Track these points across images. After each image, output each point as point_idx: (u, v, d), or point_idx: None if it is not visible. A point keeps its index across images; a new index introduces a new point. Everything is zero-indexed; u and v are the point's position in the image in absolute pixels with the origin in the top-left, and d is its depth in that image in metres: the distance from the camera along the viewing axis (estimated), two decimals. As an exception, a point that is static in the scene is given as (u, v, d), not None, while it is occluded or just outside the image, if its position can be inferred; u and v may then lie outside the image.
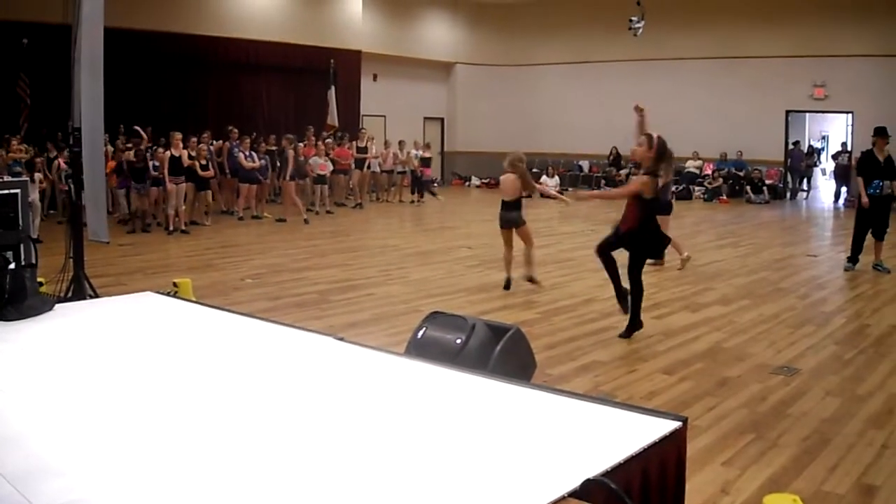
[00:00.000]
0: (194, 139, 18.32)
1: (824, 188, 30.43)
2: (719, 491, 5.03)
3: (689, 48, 27.89)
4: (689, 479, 4.92)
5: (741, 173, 27.15)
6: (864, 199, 12.95)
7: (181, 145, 17.46)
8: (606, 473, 3.38)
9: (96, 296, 8.73)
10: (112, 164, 17.03)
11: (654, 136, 8.96)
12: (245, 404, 4.02)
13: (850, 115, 26.95)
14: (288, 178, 19.30)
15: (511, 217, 11.32)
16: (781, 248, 15.92)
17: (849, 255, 13.44)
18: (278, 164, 20.42)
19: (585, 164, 29.89)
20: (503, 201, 11.34)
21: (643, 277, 8.84)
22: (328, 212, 21.18)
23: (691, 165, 27.67)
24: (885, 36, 24.97)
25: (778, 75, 26.61)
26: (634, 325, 8.83)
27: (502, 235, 11.42)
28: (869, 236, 13.21)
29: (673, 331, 9.03)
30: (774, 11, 26.43)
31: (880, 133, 13.17)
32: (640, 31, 23.50)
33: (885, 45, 25.00)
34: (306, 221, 18.85)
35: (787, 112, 27.66)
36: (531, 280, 11.42)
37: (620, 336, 8.82)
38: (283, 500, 2.99)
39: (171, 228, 16.94)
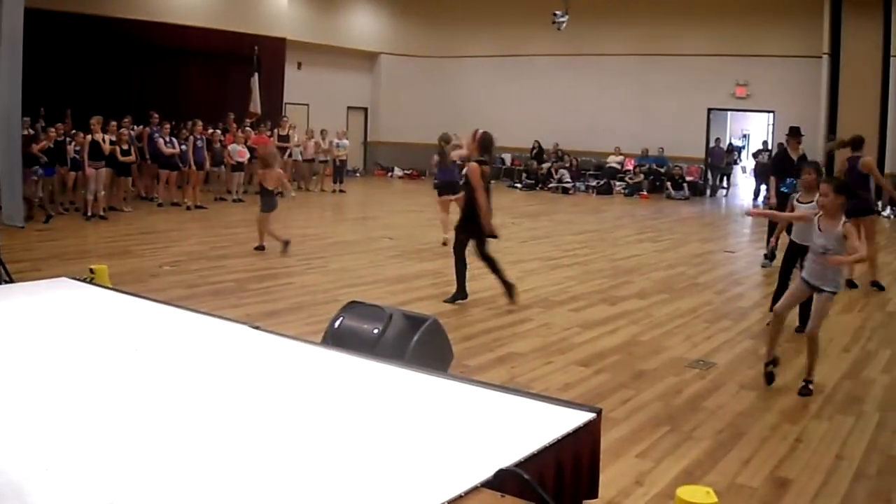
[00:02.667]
0: (115, 123, 17.98)
1: (744, 186, 30.84)
2: (633, 482, 5.07)
3: (614, 44, 28.09)
4: (603, 471, 4.94)
5: (662, 170, 27.41)
6: (772, 200, 13.12)
7: (100, 130, 17.12)
8: (520, 464, 3.37)
9: (11, 281, 8.54)
10: (42, 145, 16.70)
11: (479, 130, 10.33)
12: (158, 393, 3.95)
13: (771, 115, 27.36)
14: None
15: None
16: (700, 244, 16.12)
17: (765, 252, 13.64)
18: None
19: (508, 158, 29.96)
20: None
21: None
22: (239, 200, 20.92)
23: (612, 161, 27.88)
24: (805, 37, 25.37)
25: (700, 73, 26.92)
26: (460, 295, 10.08)
27: None
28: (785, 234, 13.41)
29: (590, 323, 9.08)
30: (698, 10, 26.72)
31: (794, 133, 13.43)
32: (564, 25, 23.65)
33: (805, 47, 25.40)
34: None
35: (709, 110, 27.99)
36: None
37: (446, 301, 10.01)
38: (200, 486, 2.94)
39: (90, 214, 16.60)
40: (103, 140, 17.07)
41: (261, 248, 13.34)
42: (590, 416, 4.13)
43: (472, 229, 9.89)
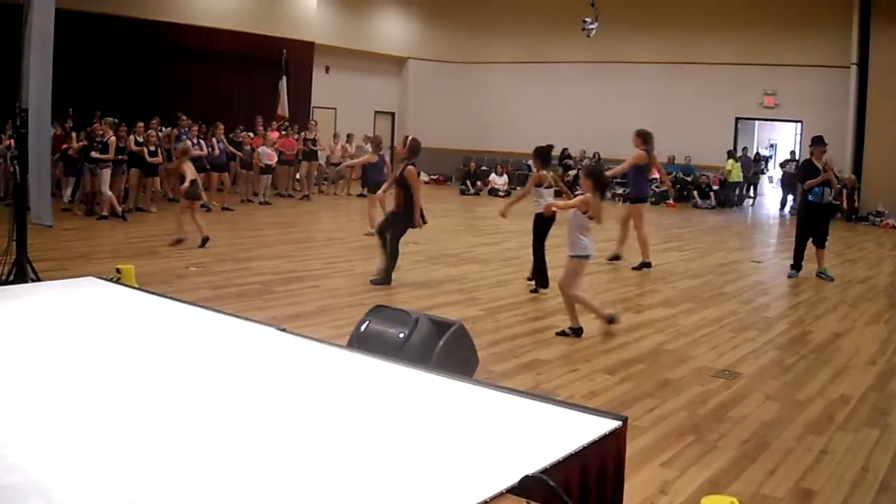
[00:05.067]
0: (142, 125, 18.07)
1: (771, 196, 30.72)
2: (658, 491, 5.05)
3: (641, 52, 28.07)
4: (627, 479, 4.93)
5: (689, 178, 27.30)
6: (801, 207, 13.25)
7: (111, 132, 17.04)
8: (546, 470, 3.37)
9: (38, 279, 8.60)
10: (77, 145, 16.85)
11: (409, 136, 12.29)
12: (185, 393, 3.96)
13: (798, 125, 27.22)
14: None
15: None
16: (726, 254, 16.05)
17: (792, 262, 13.58)
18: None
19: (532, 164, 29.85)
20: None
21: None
22: (266, 202, 20.99)
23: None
24: (834, 47, 25.29)
25: (728, 82, 26.86)
26: (387, 278, 11.28)
27: None
28: (811, 244, 13.41)
29: (616, 332, 9.04)
30: (726, 18, 26.65)
31: (817, 142, 13.46)
32: (594, 31, 23.58)
33: (834, 56, 25.33)
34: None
35: (737, 119, 27.92)
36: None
37: (372, 281, 11.20)
38: (223, 487, 2.95)
39: (104, 214, 16.64)
40: (130, 141, 17.18)
41: (179, 240, 13.72)
42: (616, 424, 4.12)
43: (405, 221, 11.42)
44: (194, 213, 13.79)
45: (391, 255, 11.36)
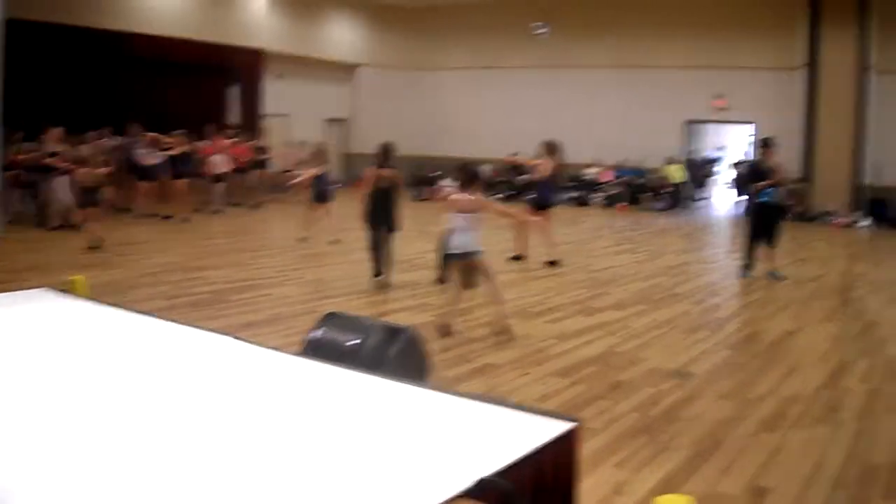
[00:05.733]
0: (94, 134, 17.89)
1: (723, 197, 30.98)
2: (612, 492, 5.09)
3: (593, 57, 28.14)
4: (582, 480, 4.97)
5: (641, 181, 27.45)
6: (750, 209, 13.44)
7: (59, 141, 16.89)
8: (500, 473, 3.38)
9: (-10, 291, 8.50)
10: (29, 156, 16.72)
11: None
12: (138, 403, 3.93)
13: (750, 126, 27.44)
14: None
15: None
16: (677, 255, 16.20)
17: (744, 262, 13.72)
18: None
19: (488, 169, 29.91)
20: None
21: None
22: (217, 211, 20.88)
23: (590, 172, 27.87)
24: (784, 49, 25.68)
25: (679, 86, 27.03)
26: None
27: None
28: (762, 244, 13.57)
29: (567, 335, 9.09)
30: (677, 22, 26.85)
31: (766, 143, 13.69)
32: (545, 35, 23.66)
33: (783, 59, 25.74)
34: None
35: (688, 122, 28.15)
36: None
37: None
38: (169, 500, 2.93)
39: (58, 224, 16.51)
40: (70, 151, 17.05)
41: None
42: (569, 425, 4.13)
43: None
44: (93, 218, 13.91)
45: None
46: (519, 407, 4.33)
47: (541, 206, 14.28)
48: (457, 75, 31.12)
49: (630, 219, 23.23)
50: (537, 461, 3.77)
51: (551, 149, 14.43)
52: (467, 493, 3.19)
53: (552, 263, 13.85)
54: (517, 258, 14.16)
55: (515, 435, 3.84)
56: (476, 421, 4.00)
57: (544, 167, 14.21)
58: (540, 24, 23.59)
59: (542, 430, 3.91)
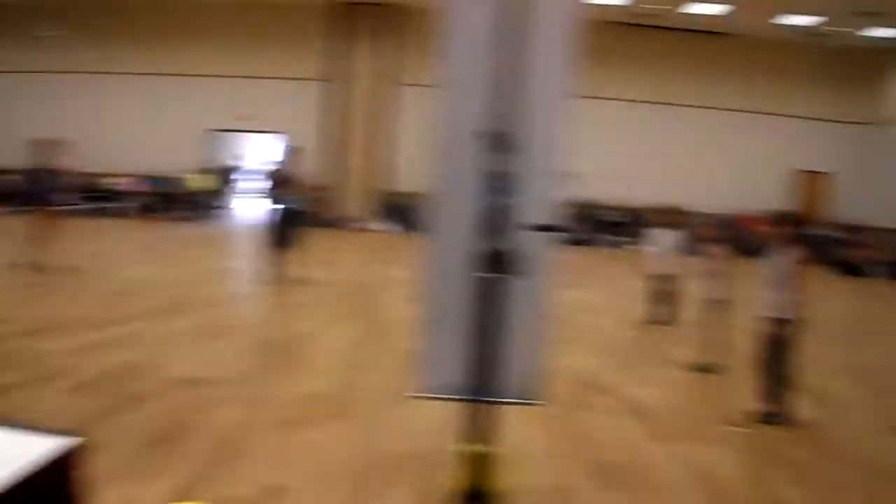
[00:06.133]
0: None
1: (248, 205, 31.27)
2: (125, 506, 5.00)
3: (117, 63, 27.20)
4: (95, 500, 4.86)
5: (164, 190, 27.01)
6: (271, 217, 13.75)
7: None
8: (-9, 499, 3.25)
9: None
10: None
11: None
12: None
13: (277, 135, 27.85)
14: None
15: None
16: (201, 263, 16.19)
17: (265, 267, 14.00)
18: None
19: None
20: None
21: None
22: None
23: (116, 182, 27.02)
24: (314, 60, 26.77)
25: (203, 94, 27.04)
26: None
27: None
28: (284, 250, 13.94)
29: (85, 349, 8.77)
30: (203, 31, 26.90)
31: (290, 152, 14.20)
32: (52, 38, 22.61)
33: (314, 70, 26.84)
34: None
35: (213, 130, 28.25)
36: None
37: None
38: None
39: None
40: None
41: None
42: (71, 442, 4.04)
43: None
44: None
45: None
46: (15, 426, 4.18)
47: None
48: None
49: (154, 229, 22.81)
50: (34, 485, 3.65)
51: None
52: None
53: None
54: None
55: (8, 458, 3.70)
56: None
57: None
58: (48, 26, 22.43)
59: (40, 450, 3.80)
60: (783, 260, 7.71)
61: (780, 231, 7.81)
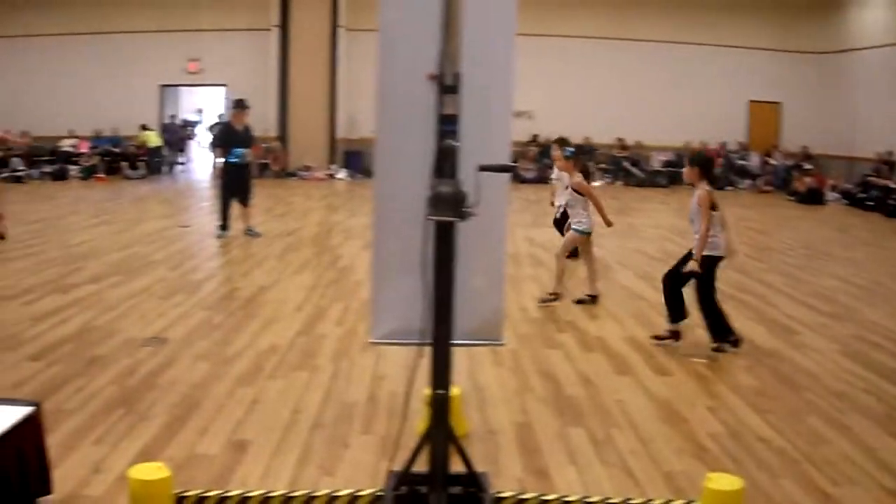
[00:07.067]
0: None
1: (201, 160, 31.07)
2: (91, 471, 4.98)
3: (57, 23, 26.59)
4: (59, 464, 4.86)
5: (117, 150, 26.71)
6: (219, 171, 13.68)
7: None
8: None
9: None
10: None
11: None
12: None
13: (223, 88, 27.62)
14: None
15: None
16: (155, 222, 15.99)
17: (219, 223, 13.93)
18: None
19: None
20: None
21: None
22: None
23: (66, 144, 26.68)
24: (255, 10, 26.53)
25: (150, 50, 26.57)
26: None
27: None
28: (237, 204, 13.87)
29: (42, 315, 8.67)
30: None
31: (238, 105, 14.01)
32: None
33: (255, 19, 26.59)
34: None
35: (162, 86, 27.88)
36: None
37: None
38: None
39: None
40: None
41: None
42: (27, 410, 4.04)
43: None
44: None
45: None
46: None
47: None
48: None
49: (109, 189, 22.52)
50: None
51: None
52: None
53: None
54: None
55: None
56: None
57: None
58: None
59: (2, 420, 3.79)
60: (694, 198, 7.88)
61: (689, 171, 8.04)
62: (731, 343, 7.92)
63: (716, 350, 7.87)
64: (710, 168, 8.28)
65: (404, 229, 4.26)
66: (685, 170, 8.29)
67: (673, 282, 8.07)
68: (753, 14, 26.96)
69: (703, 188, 7.79)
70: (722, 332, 7.93)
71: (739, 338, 7.97)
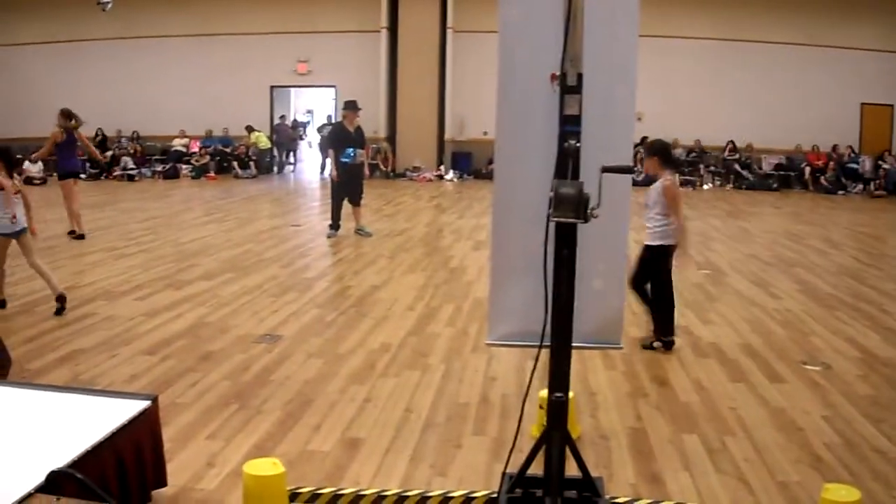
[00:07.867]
0: None
1: (310, 160, 31.41)
2: (205, 465, 5.03)
3: (168, 26, 27.32)
4: (173, 457, 4.92)
5: (228, 149, 27.21)
6: (334, 172, 13.77)
7: None
8: (74, 463, 3.28)
9: None
10: None
11: None
12: None
13: (333, 90, 27.92)
14: None
15: None
16: (267, 220, 16.25)
17: (330, 222, 14.05)
18: None
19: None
20: None
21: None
22: None
23: (178, 144, 27.31)
24: (364, 12, 26.58)
25: (261, 51, 27.01)
26: None
27: None
28: (348, 203, 13.97)
29: (156, 310, 8.84)
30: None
31: (349, 107, 14.05)
32: (109, 6, 22.69)
33: (364, 21, 26.64)
34: None
35: (272, 87, 28.24)
36: None
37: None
38: None
39: None
40: None
41: None
42: (144, 404, 4.08)
43: None
44: None
45: None
46: (94, 391, 4.23)
47: (63, 176, 13.78)
48: (34, 51, 29.07)
49: (220, 188, 22.99)
50: (115, 444, 3.70)
51: (68, 116, 13.80)
52: (40, 489, 3.07)
53: (76, 236, 13.49)
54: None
55: (90, 421, 3.74)
56: (52, 412, 3.86)
57: (55, 135, 13.59)
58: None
59: (117, 413, 3.84)
60: (656, 188, 7.73)
61: (648, 162, 7.87)
62: (667, 344, 7.78)
63: (647, 347, 7.76)
64: (669, 154, 8.08)
65: (524, 231, 4.21)
66: (644, 163, 8.09)
67: (640, 284, 7.88)
68: (866, 16, 26.21)
69: (667, 178, 7.62)
70: (667, 330, 7.79)
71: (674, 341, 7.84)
